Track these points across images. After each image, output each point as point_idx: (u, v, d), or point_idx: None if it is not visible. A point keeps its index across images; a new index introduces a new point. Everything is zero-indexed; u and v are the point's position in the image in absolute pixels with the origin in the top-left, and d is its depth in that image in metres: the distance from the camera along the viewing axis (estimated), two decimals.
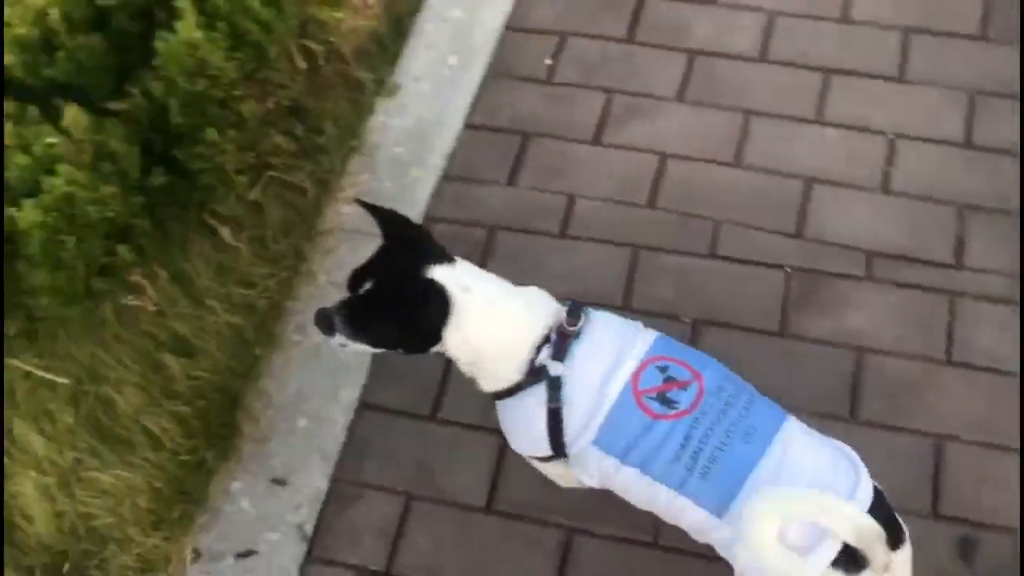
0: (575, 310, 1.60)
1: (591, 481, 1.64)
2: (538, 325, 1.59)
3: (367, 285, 1.59)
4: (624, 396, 1.52)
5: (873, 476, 1.45)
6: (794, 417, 1.54)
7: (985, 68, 2.45)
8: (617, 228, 2.33)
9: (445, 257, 1.60)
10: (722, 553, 1.51)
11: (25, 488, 2.15)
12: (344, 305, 1.62)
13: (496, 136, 2.52)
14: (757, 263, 2.25)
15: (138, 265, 2.07)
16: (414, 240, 1.64)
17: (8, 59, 1.80)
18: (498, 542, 2.01)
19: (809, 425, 1.54)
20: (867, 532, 1.32)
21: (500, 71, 2.63)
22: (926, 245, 2.23)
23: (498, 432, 1.75)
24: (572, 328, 1.57)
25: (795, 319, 2.17)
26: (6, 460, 2.20)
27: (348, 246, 2.35)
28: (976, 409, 2.03)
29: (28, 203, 1.65)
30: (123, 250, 1.87)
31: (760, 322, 2.17)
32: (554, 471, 1.83)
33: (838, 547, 1.34)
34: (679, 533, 1.58)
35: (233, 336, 2.26)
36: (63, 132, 1.72)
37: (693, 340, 2.15)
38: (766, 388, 1.57)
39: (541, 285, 1.65)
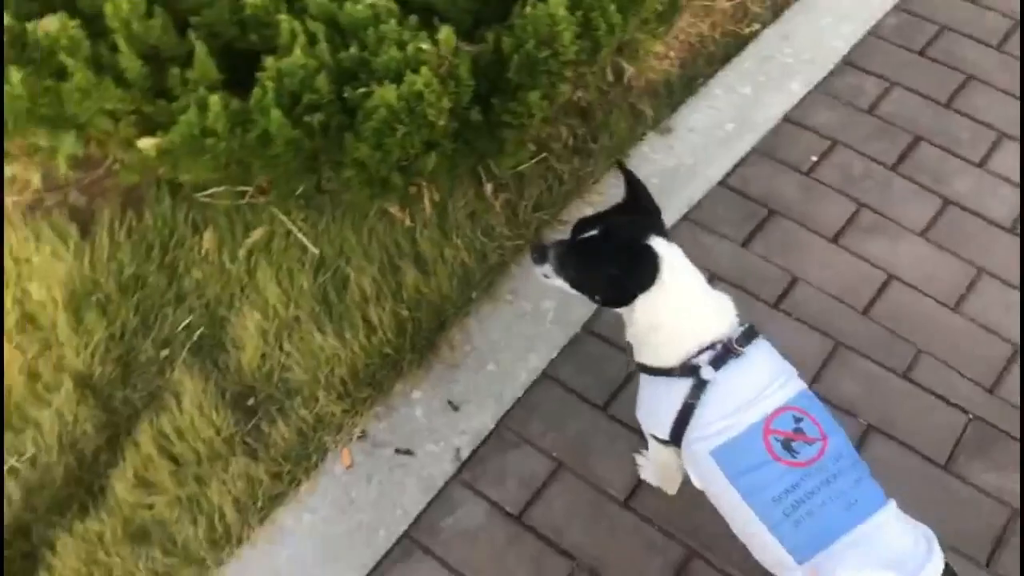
0: (750, 333, 1.75)
1: (695, 480, 1.80)
2: (714, 330, 1.75)
3: (591, 232, 1.79)
4: (755, 428, 1.66)
5: None
6: (895, 502, 1.64)
7: None
8: (826, 320, 2.47)
9: (666, 235, 1.79)
10: None
11: (247, 323, 2.44)
12: (562, 243, 1.83)
13: (743, 201, 2.72)
14: (944, 399, 2.34)
15: (421, 178, 2.35)
16: (648, 210, 1.83)
17: None
18: (624, 535, 2.16)
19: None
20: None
21: (766, 151, 2.84)
22: None
23: None
24: (739, 348, 1.73)
25: (963, 461, 2.25)
26: (237, 294, 2.50)
27: None
28: None
29: (390, 86, 1.95)
30: (425, 159, 2.14)
31: (928, 450, 2.26)
32: (660, 457, 1.98)
33: None
34: None
35: (462, 273, 2.51)
36: (435, 43, 2.02)
37: (862, 441, 2.27)
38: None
39: None
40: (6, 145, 2.40)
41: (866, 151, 2.83)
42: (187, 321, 2.50)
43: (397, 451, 2.29)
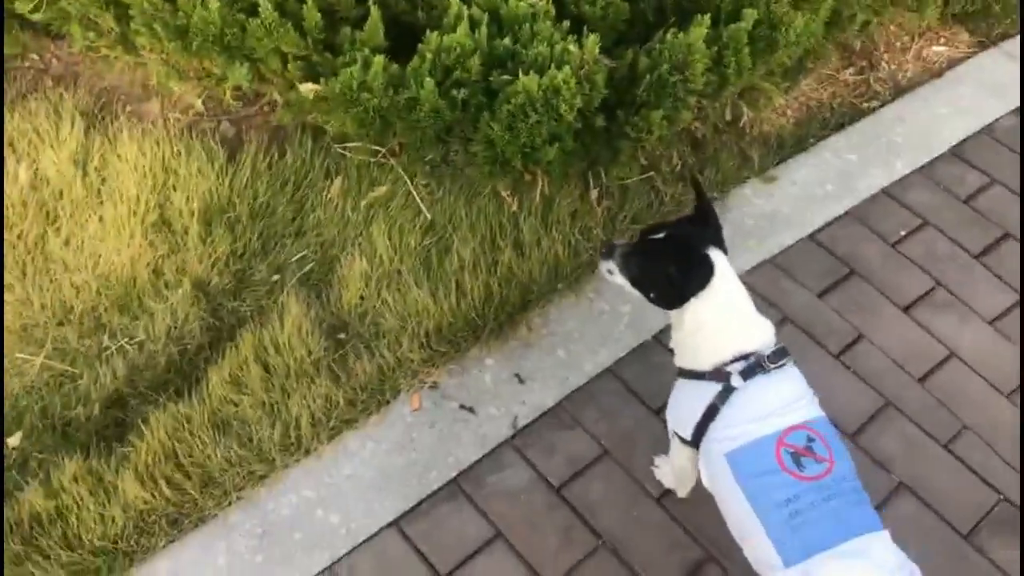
0: (781, 352, 1.92)
1: (706, 480, 1.96)
2: (751, 343, 1.92)
3: (657, 236, 1.98)
4: (770, 438, 1.82)
5: None
6: (888, 532, 1.77)
7: None
8: (881, 379, 2.61)
9: (724, 249, 1.97)
10: None
11: (355, 267, 2.68)
12: (629, 244, 2.03)
13: (829, 257, 2.87)
14: (978, 475, 2.46)
15: (537, 167, 2.58)
16: (711, 224, 2.01)
17: None
18: (650, 527, 2.33)
19: None
20: None
21: (860, 216, 2.99)
22: None
23: None
24: (770, 364, 1.89)
25: (985, 536, 2.36)
26: (351, 239, 2.75)
27: None
28: None
29: (533, 76, 2.19)
30: (547, 149, 2.37)
31: (954, 518, 2.38)
32: (679, 458, 2.15)
33: None
34: None
35: (553, 263, 2.72)
36: (580, 47, 2.24)
37: (888, 497, 2.40)
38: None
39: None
40: (182, 63, 2.70)
41: (954, 236, 2.96)
42: (302, 254, 2.76)
43: (461, 407, 2.50)
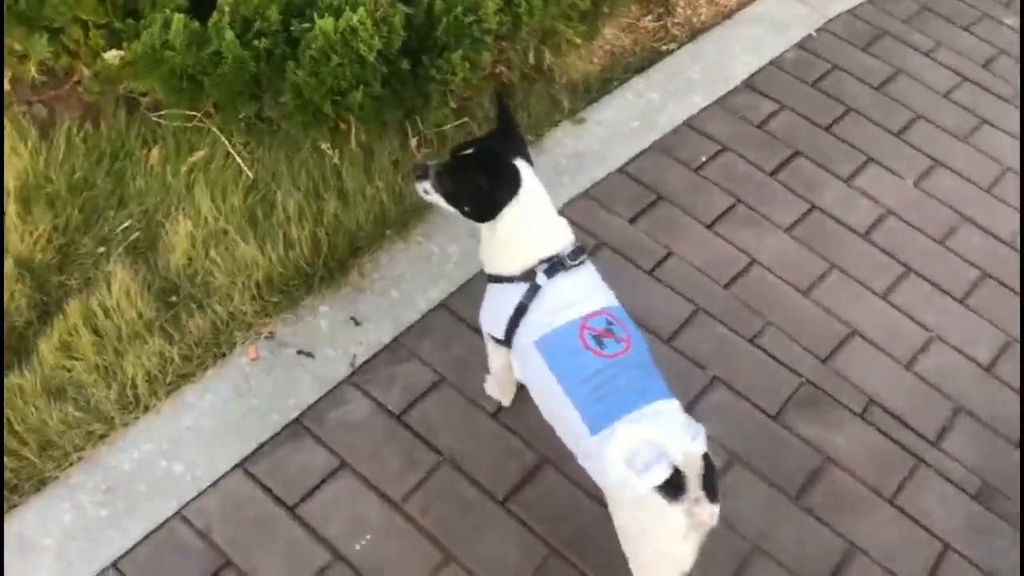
0: (578, 251, 2.08)
1: (518, 372, 2.14)
2: (553, 245, 2.07)
3: (467, 152, 2.11)
4: (573, 323, 1.99)
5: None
6: (678, 402, 1.95)
7: None
8: (691, 289, 2.83)
9: (529, 160, 2.11)
10: (581, 462, 1.98)
11: (180, 230, 2.72)
12: (441, 163, 2.15)
13: (636, 187, 3.08)
14: (782, 363, 2.70)
15: (350, 114, 2.67)
16: (516, 137, 2.15)
17: None
18: (488, 439, 2.46)
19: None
20: (692, 460, 1.74)
21: (663, 148, 3.21)
22: (918, 418, 2.64)
23: None
24: (571, 262, 2.06)
25: (791, 413, 2.60)
26: (174, 204, 2.78)
27: None
28: (893, 542, 2.40)
29: (329, 19, 2.29)
30: (354, 93, 2.47)
31: (762, 402, 2.61)
32: (496, 361, 2.32)
33: (666, 474, 1.73)
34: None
35: (379, 211, 2.83)
36: None
37: (703, 391, 2.61)
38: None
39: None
40: None
41: (750, 158, 3.22)
42: (126, 224, 2.78)
43: (299, 352, 2.58)
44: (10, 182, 2.76)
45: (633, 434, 1.78)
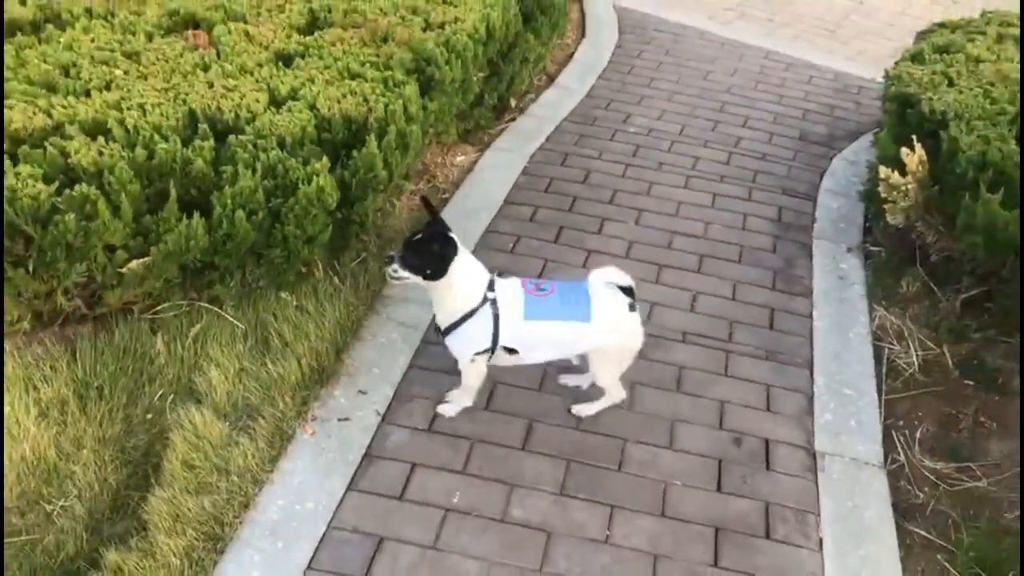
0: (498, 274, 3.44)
1: (522, 350, 3.39)
2: (486, 278, 3.35)
3: (417, 236, 3.35)
4: (525, 294, 3.34)
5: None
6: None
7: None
8: None
9: (453, 236, 3.35)
10: (584, 349, 3.38)
11: (212, 374, 3.63)
12: (401, 249, 3.32)
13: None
14: None
15: (315, 256, 3.82)
16: (441, 222, 3.37)
17: None
18: (490, 421, 3.63)
19: None
20: (624, 276, 3.26)
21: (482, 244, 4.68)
22: (713, 331, 4.25)
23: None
24: (496, 275, 3.39)
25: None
26: (193, 365, 3.69)
27: None
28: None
29: (308, 186, 3.52)
30: (324, 235, 3.66)
31: None
32: (477, 367, 3.45)
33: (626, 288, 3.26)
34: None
35: (336, 324, 3.95)
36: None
37: None
38: None
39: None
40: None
41: (536, 236, 4.79)
42: (160, 392, 3.63)
43: (339, 419, 3.58)
44: (61, 391, 3.51)
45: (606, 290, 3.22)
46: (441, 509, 3.26)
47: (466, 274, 3.33)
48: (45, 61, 4.06)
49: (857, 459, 3.69)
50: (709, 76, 6.98)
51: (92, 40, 4.29)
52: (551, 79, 6.62)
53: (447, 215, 4.78)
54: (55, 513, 3.22)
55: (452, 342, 3.42)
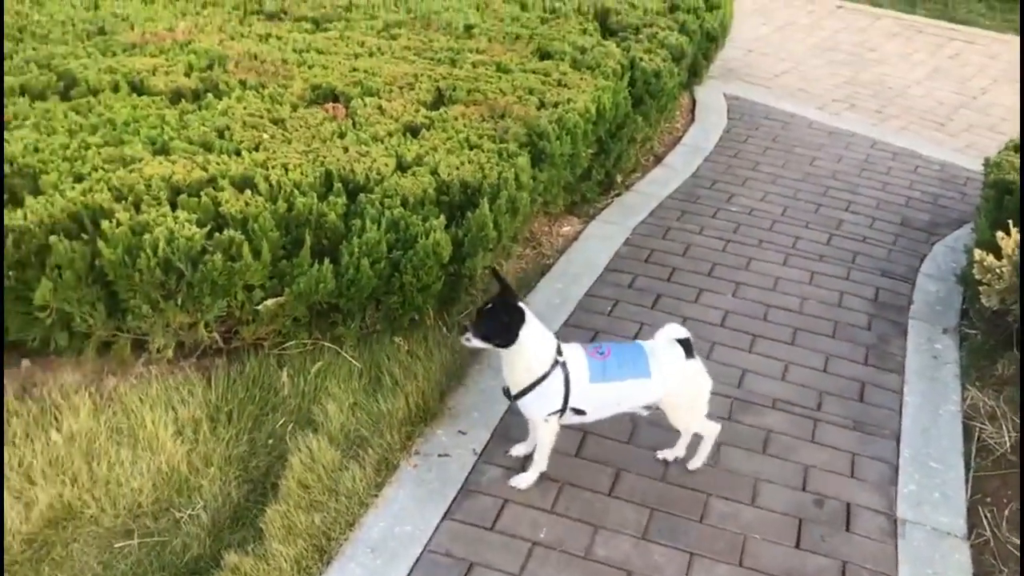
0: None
1: (589, 410, 3.61)
2: (554, 343, 3.56)
3: (488, 307, 3.58)
4: (588, 357, 3.55)
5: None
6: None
7: None
8: None
9: (521, 306, 3.56)
10: (647, 402, 3.60)
11: (329, 406, 3.99)
12: (474, 319, 3.58)
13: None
14: None
15: (428, 305, 4.19)
16: (511, 291, 3.58)
17: None
18: (578, 467, 3.86)
19: None
20: (683, 330, 3.49)
21: (582, 306, 4.96)
22: (803, 400, 4.39)
23: None
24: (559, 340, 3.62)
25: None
26: (314, 397, 4.06)
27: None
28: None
29: (426, 241, 3.90)
30: (436, 286, 4.03)
31: None
32: (550, 432, 3.63)
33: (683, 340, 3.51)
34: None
35: (451, 366, 4.27)
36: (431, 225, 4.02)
37: None
38: None
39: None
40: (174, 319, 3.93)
41: (634, 302, 5.05)
42: (282, 420, 4.00)
43: (439, 455, 3.88)
44: (195, 413, 3.93)
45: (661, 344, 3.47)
46: (528, 542, 3.49)
47: (535, 340, 3.48)
48: (203, 124, 4.61)
49: (939, 529, 3.75)
50: (815, 162, 7.16)
51: (244, 108, 4.83)
52: (658, 159, 6.93)
53: (550, 279, 5.15)
54: (183, 520, 3.59)
55: (527, 403, 3.58)
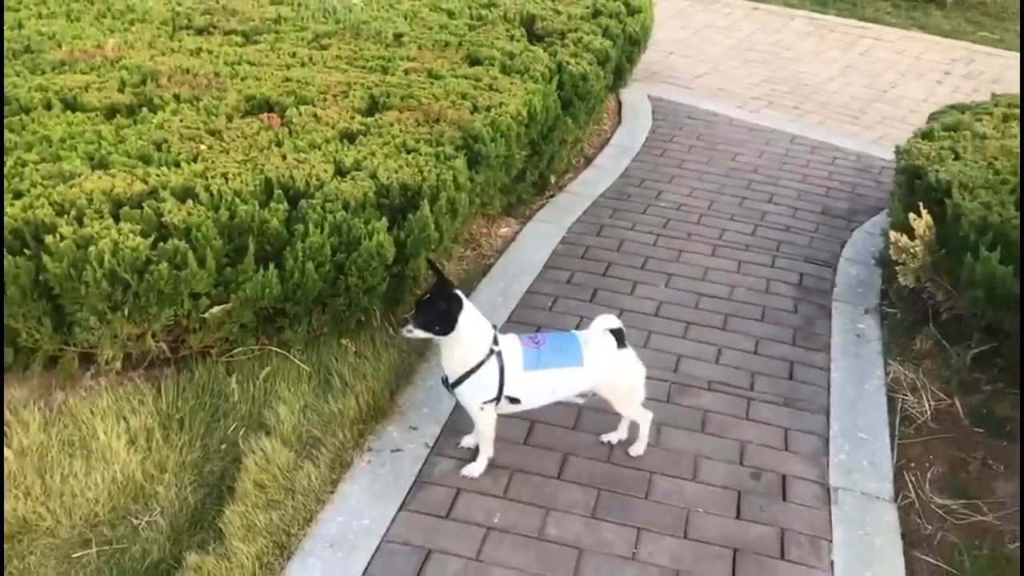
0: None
1: (523, 398, 3.75)
2: (491, 332, 3.70)
3: (426, 296, 3.71)
4: (523, 346, 3.70)
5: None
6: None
7: None
8: None
9: (458, 293, 3.69)
10: (582, 389, 3.75)
11: (280, 409, 4.06)
12: (413, 309, 3.72)
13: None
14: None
15: (373, 305, 4.29)
16: (447, 280, 3.73)
17: None
18: (524, 454, 3.99)
19: None
20: (616, 321, 3.66)
21: (523, 304, 5.11)
22: (736, 381, 4.60)
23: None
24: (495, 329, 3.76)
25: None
26: (263, 401, 4.12)
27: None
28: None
29: (370, 242, 4.00)
30: (382, 287, 4.13)
31: None
32: (488, 415, 3.75)
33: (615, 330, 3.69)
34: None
35: (389, 367, 4.38)
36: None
37: None
38: None
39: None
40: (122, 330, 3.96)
41: (573, 296, 5.22)
42: (234, 426, 4.06)
43: (392, 451, 3.97)
44: (147, 422, 3.97)
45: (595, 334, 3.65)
46: (483, 527, 3.62)
47: (473, 328, 3.60)
48: (140, 138, 4.64)
49: (868, 494, 3.98)
50: (737, 158, 7.44)
51: (180, 120, 4.87)
52: (588, 161, 7.13)
53: (492, 278, 5.29)
54: (141, 526, 3.62)
55: (463, 392, 3.69)
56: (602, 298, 5.24)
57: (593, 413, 4.20)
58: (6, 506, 3.59)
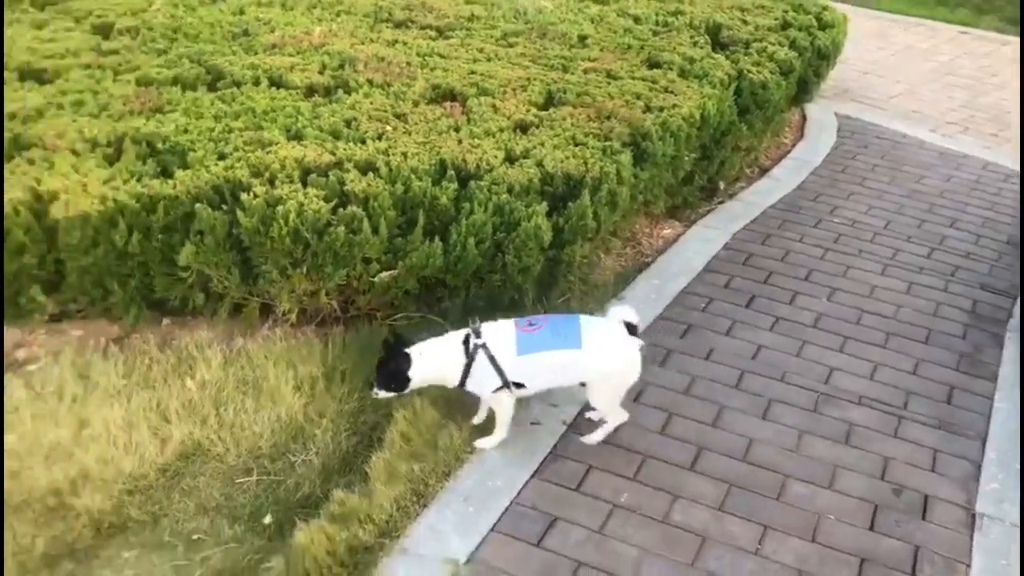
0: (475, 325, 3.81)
1: (528, 384, 3.80)
2: (458, 337, 3.78)
3: (378, 363, 3.80)
4: (517, 331, 3.74)
5: None
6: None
7: None
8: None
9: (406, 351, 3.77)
10: (579, 375, 3.78)
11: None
12: (375, 375, 3.80)
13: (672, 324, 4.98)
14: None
15: (526, 295, 4.49)
16: (397, 342, 3.81)
17: None
18: (663, 445, 4.07)
19: None
20: (634, 315, 3.66)
21: (679, 303, 5.16)
22: (889, 399, 4.49)
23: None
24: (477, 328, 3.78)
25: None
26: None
27: None
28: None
29: (528, 224, 4.20)
30: (535, 268, 4.32)
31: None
32: (503, 400, 3.84)
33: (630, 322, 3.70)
34: None
35: None
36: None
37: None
38: None
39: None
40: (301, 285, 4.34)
41: (728, 300, 5.22)
42: None
43: (531, 423, 4.14)
44: (313, 372, 4.31)
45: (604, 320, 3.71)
46: (610, 504, 3.72)
47: (432, 362, 3.75)
48: (333, 116, 5.04)
49: (1018, 525, 3.80)
50: (922, 180, 7.18)
51: (371, 103, 5.25)
52: (764, 171, 7.08)
53: (648, 275, 5.38)
54: (297, 463, 3.96)
55: (470, 391, 3.85)
56: (759, 304, 5.22)
57: (733, 413, 4.23)
58: (185, 430, 4.01)
